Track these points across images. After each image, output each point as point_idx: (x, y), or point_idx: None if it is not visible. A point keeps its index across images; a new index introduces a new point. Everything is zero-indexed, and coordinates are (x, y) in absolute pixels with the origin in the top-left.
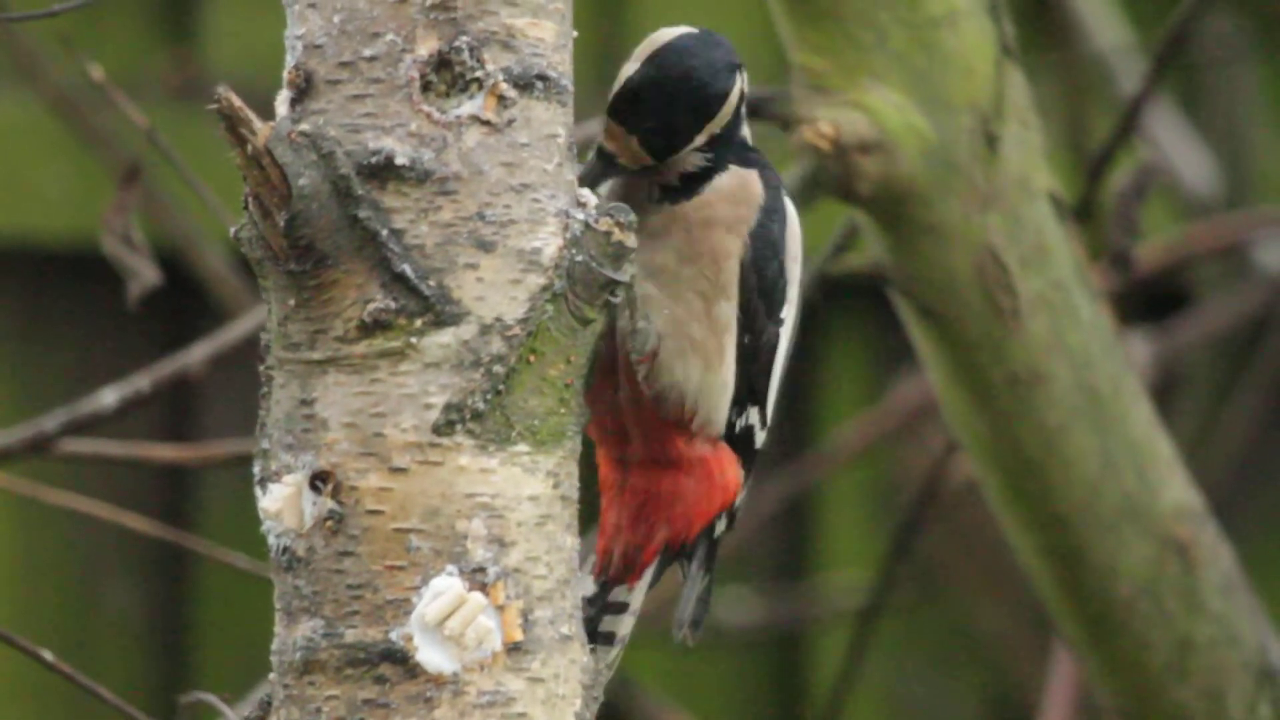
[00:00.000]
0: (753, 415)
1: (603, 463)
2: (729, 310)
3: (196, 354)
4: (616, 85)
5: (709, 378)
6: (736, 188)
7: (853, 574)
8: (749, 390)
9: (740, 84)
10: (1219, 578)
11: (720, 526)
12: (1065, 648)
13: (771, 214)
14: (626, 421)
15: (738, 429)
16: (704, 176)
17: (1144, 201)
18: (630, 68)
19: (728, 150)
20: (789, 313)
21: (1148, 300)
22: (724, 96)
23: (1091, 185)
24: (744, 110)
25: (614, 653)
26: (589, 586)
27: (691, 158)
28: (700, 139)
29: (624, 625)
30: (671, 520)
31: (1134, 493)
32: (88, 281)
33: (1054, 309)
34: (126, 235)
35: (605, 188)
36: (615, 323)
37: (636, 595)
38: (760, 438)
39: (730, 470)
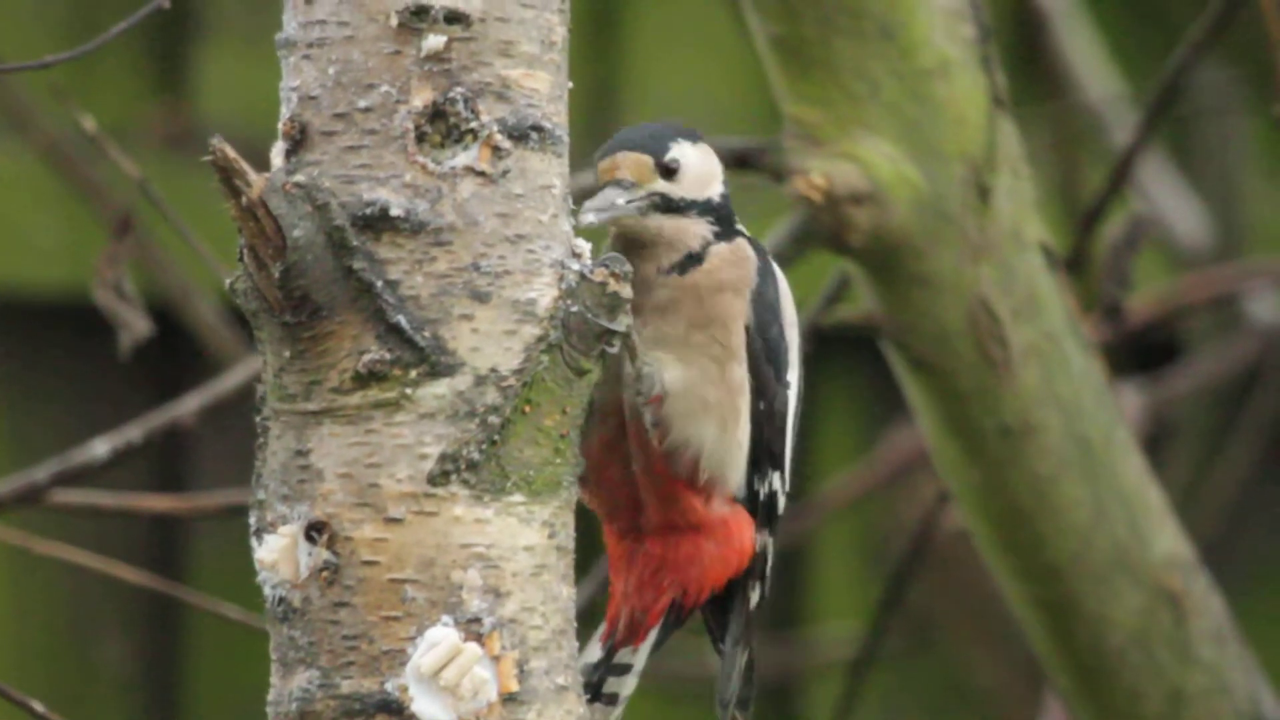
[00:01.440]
0: (775, 480)
1: (610, 539)
2: (741, 373)
3: (188, 405)
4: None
5: (724, 438)
6: (731, 251)
7: (845, 623)
8: (769, 455)
9: (719, 165)
10: (1210, 628)
11: (755, 597)
12: (1057, 698)
13: (766, 277)
14: (641, 490)
15: (762, 495)
16: (705, 248)
17: (1136, 253)
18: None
19: (727, 225)
20: (794, 376)
21: (1139, 351)
22: (698, 136)
23: (1083, 237)
24: (728, 197)
25: (615, 713)
26: (596, 652)
27: (697, 226)
28: (688, 151)
29: (627, 686)
30: (682, 583)
31: (1125, 543)
32: (80, 332)
33: (1046, 359)
34: (118, 286)
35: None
36: (623, 395)
37: (640, 656)
38: (783, 502)
39: (746, 533)
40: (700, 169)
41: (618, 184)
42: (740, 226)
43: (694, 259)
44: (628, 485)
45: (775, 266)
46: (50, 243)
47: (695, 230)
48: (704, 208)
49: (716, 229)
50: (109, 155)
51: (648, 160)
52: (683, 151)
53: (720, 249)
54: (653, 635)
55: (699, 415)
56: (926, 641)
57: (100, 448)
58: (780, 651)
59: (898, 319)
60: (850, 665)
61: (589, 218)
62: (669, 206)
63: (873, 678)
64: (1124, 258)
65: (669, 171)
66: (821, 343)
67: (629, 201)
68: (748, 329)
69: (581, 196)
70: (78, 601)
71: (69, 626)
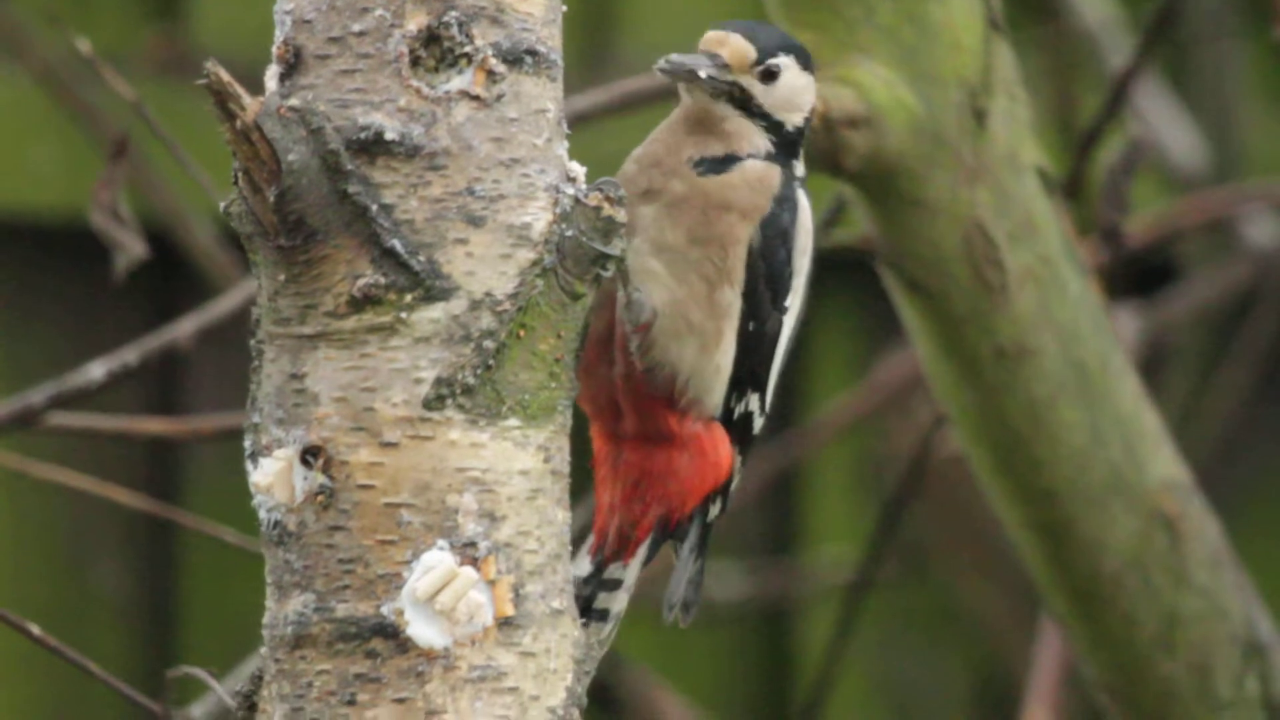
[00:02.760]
0: (753, 401)
1: (596, 437)
2: (731, 296)
3: (184, 328)
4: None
5: (703, 360)
6: (758, 176)
7: (840, 549)
8: (750, 376)
9: (817, 104)
10: (1206, 551)
11: (714, 510)
12: (1052, 622)
13: (784, 203)
14: (619, 397)
15: (736, 414)
16: (743, 159)
17: (1133, 176)
18: None
19: (785, 153)
20: (793, 302)
21: (1135, 275)
22: (811, 62)
23: (1080, 161)
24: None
25: (608, 628)
26: (585, 566)
27: (758, 136)
28: (790, 67)
29: (619, 602)
30: (666, 497)
31: (1121, 466)
32: (75, 256)
33: (1042, 283)
34: (114, 209)
35: (644, 148)
36: (615, 296)
37: (631, 571)
38: (759, 423)
39: (723, 448)
40: (793, 94)
41: (712, 57)
42: (799, 165)
43: (721, 165)
44: (609, 386)
45: (801, 195)
46: (46, 167)
47: (754, 139)
48: (774, 126)
49: (772, 150)
50: (105, 79)
51: (751, 54)
52: (788, 66)
53: (750, 165)
54: (642, 550)
55: (682, 335)
56: (922, 567)
57: (96, 370)
58: (776, 575)
59: (894, 242)
60: (846, 590)
61: (664, 65)
62: (743, 105)
63: (868, 603)
64: (1122, 181)
65: (767, 75)
66: (818, 266)
67: (710, 77)
68: (751, 250)
69: (573, 122)
70: (74, 524)
71: (65, 550)
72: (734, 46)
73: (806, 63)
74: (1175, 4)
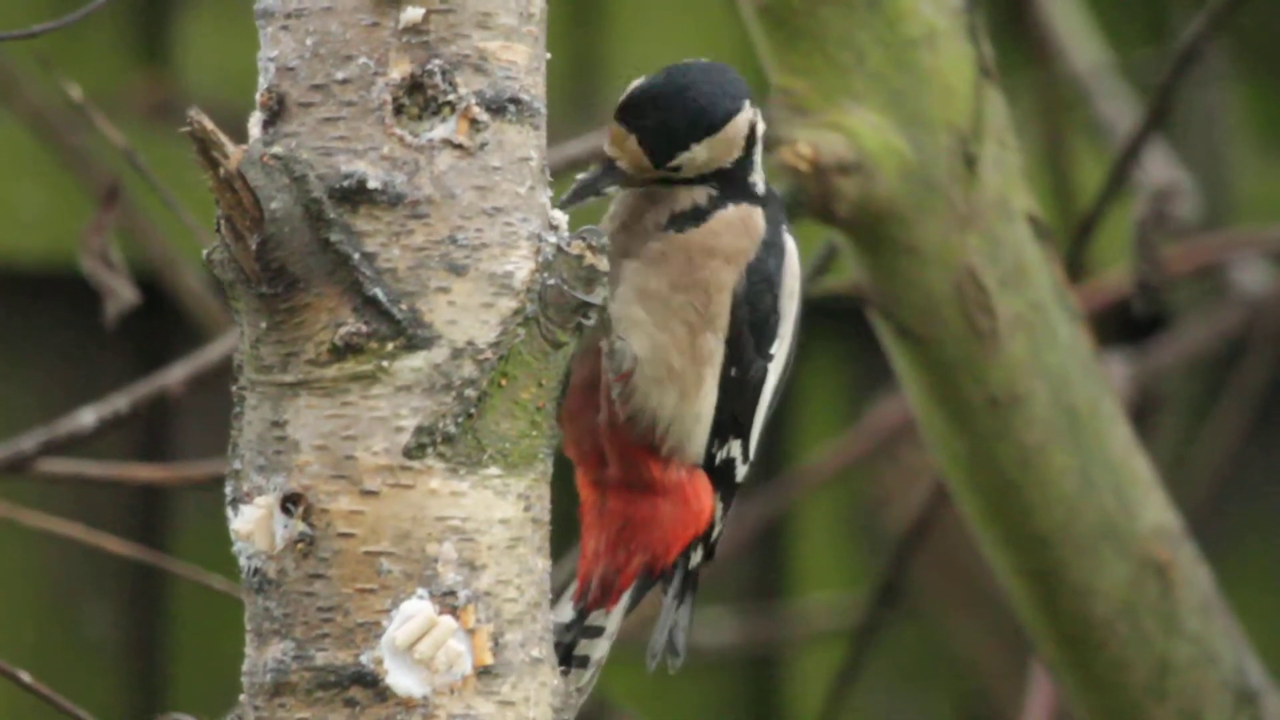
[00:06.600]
0: (735, 448)
1: (582, 485)
2: (714, 343)
3: (175, 374)
4: (625, 93)
5: (683, 407)
6: (739, 220)
7: (829, 595)
8: (732, 423)
9: (752, 117)
10: (1197, 598)
11: (696, 558)
12: (1043, 668)
13: (770, 248)
14: (603, 444)
15: (718, 461)
16: (711, 209)
17: (1164, 228)
18: (642, 79)
19: (734, 187)
20: (780, 349)
21: (1126, 321)
22: (727, 115)
23: (1079, 243)
24: (757, 153)
25: (588, 675)
26: (568, 612)
27: (697, 191)
28: (699, 151)
29: (599, 649)
30: (649, 545)
31: (1112, 513)
32: (65, 301)
33: (1032, 330)
34: (104, 255)
35: (615, 206)
36: (600, 343)
37: (613, 619)
38: (741, 471)
39: (705, 496)
40: (716, 150)
41: (609, 169)
42: (758, 183)
43: (696, 217)
44: (594, 434)
45: (787, 236)
46: (35, 212)
47: (695, 194)
48: (712, 175)
49: (715, 193)
50: (95, 124)
51: (648, 164)
52: (694, 153)
53: (728, 213)
54: (625, 598)
55: (663, 382)
56: (913, 611)
57: (87, 417)
58: (764, 621)
59: (885, 289)
60: (849, 638)
61: (567, 199)
62: (672, 181)
63: (860, 647)
64: (1151, 233)
65: (671, 168)
66: (808, 312)
67: (620, 185)
68: (736, 296)
69: (561, 168)
70: (63, 570)
71: (54, 595)
72: (631, 154)
73: (721, 115)
74: (1176, 76)
